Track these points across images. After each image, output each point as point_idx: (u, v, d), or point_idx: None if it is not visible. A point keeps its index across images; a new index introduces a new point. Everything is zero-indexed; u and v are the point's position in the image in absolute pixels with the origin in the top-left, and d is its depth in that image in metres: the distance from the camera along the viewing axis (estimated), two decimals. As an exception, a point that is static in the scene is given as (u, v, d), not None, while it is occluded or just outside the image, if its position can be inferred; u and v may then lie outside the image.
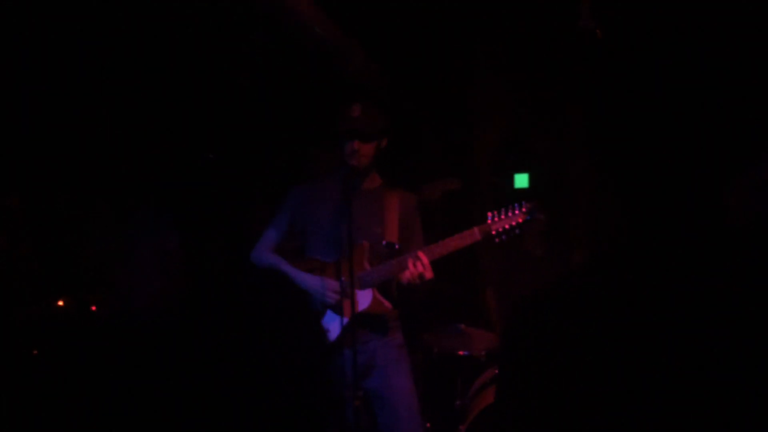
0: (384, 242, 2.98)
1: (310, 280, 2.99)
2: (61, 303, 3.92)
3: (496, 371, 4.10)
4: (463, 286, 5.01)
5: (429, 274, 2.88)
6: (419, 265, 2.86)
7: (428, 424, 4.04)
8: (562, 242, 4.92)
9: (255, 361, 4.58)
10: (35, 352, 3.73)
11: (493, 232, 2.88)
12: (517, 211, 2.89)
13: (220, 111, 5.22)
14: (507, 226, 2.87)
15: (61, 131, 4.64)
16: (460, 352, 4.08)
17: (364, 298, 2.93)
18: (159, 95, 4.92)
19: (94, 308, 3.94)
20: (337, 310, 2.93)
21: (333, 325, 2.95)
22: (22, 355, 3.67)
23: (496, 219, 2.89)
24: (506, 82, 5.72)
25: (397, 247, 3.00)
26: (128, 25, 4.17)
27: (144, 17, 4.14)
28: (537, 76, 5.51)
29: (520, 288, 4.77)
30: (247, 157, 5.46)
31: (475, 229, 2.89)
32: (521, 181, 5.56)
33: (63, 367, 3.78)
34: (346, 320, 2.91)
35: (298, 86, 5.07)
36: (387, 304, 2.98)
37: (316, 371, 3.07)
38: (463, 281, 5.16)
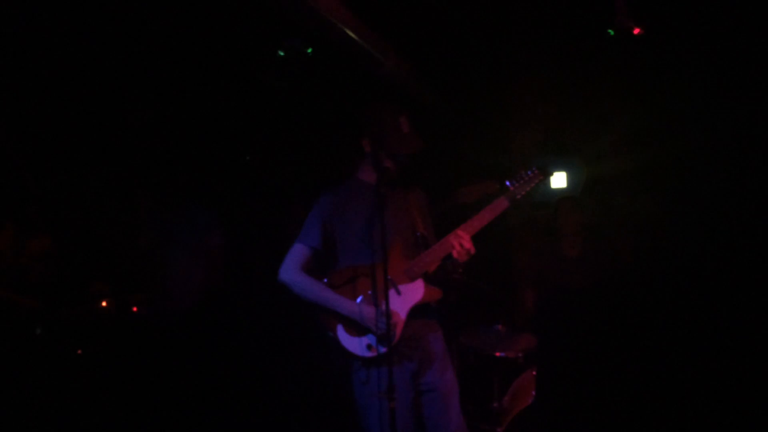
0: (418, 234, 3.05)
1: (349, 308, 2.93)
2: (104, 304, 4.01)
3: (534, 373, 4.06)
4: (499, 287, 4.98)
5: (473, 249, 2.96)
6: (464, 242, 2.93)
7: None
8: (598, 243, 4.84)
9: (295, 362, 4.62)
10: (79, 351, 3.82)
11: (518, 197, 3.07)
12: (531, 174, 3.07)
13: (262, 112, 5.29)
14: (529, 189, 3.06)
15: (108, 131, 4.74)
16: (497, 353, 4.05)
17: (416, 290, 2.97)
18: (204, 97, 5.00)
19: (135, 309, 4.01)
20: (384, 335, 2.86)
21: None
22: (67, 355, 3.77)
23: (516, 184, 3.05)
24: (544, 81, 5.66)
25: (427, 237, 3.08)
26: (177, 31, 4.24)
27: (191, 25, 4.21)
28: (575, 75, 5.44)
29: (556, 289, 4.72)
30: (287, 158, 5.51)
31: (502, 198, 3.04)
32: (559, 180, 5.49)
33: (106, 366, 3.86)
34: (398, 330, 2.92)
35: (336, 88, 5.10)
36: (438, 290, 3.02)
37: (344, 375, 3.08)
38: (500, 282, 5.12)
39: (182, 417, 4.01)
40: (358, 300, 2.95)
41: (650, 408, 4.23)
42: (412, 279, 2.97)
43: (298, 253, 3.05)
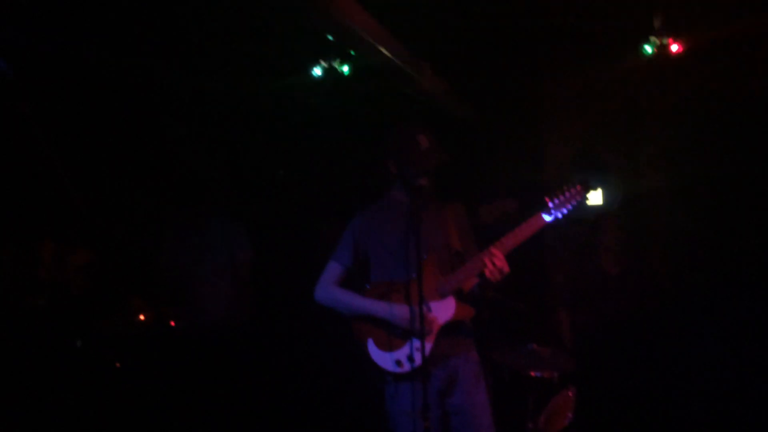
0: (450, 251, 3.03)
1: (389, 310, 2.96)
2: (142, 317, 4.06)
3: (571, 394, 4.00)
4: (535, 305, 4.92)
5: (507, 268, 2.90)
6: (496, 261, 2.87)
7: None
8: (638, 261, 4.76)
9: (326, 375, 4.62)
10: (118, 364, 3.87)
11: (559, 215, 2.95)
12: (573, 190, 2.95)
13: (297, 129, 5.34)
14: (570, 206, 2.94)
15: (144, 147, 4.84)
16: (532, 373, 3.99)
17: (447, 308, 2.95)
18: (238, 114, 5.08)
19: (173, 323, 4.06)
20: (418, 335, 2.86)
21: (416, 352, 2.90)
22: (106, 368, 3.82)
23: (555, 201, 2.94)
24: (581, 95, 5.61)
25: (463, 253, 3.05)
26: (215, 48, 4.32)
27: (229, 42, 4.28)
28: (613, 90, 5.38)
29: (594, 307, 4.65)
30: (319, 174, 5.55)
31: (540, 214, 2.93)
32: (595, 197, 5.42)
33: (144, 380, 3.91)
34: (429, 345, 2.90)
35: (370, 105, 5.14)
36: (470, 308, 3.00)
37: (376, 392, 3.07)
38: (535, 300, 5.06)
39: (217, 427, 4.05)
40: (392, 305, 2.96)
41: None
42: (443, 296, 2.95)
43: (332, 271, 3.14)
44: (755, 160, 4.93)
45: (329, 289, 3.11)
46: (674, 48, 4.29)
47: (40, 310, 3.76)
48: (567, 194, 2.95)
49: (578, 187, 2.96)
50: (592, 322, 4.64)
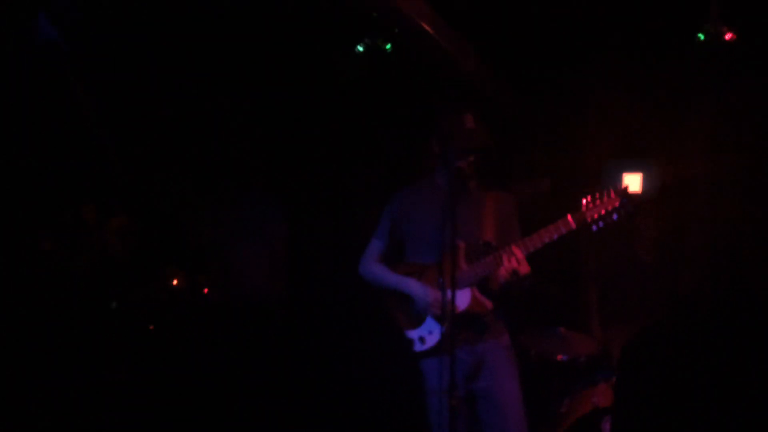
0: (481, 242, 2.98)
1: (413, 287, 3.01)
2: (175, 283, 4.15)
3: (596, 378, 3.99)
4: (565, 289, 4.90)
5: (524, 269, 2.83)
6: (513, 260, 2.81)
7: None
8: (674, 250, 4.71)
9: (352, 356, 4.67)
10: (151, 327, 3.97)
11: (589, 219, 2.78)
12: (613, 195, 2.78)
13: (333, 105, 5.33)
14: (603, 212, 2.77)
15: (183, 120, 4.89)
16: (559, 357, 4.00)
17: (463, 298, 2.93)
18: (275, 88, 5.08)
19: (206, 290, 4.15)
20: (439, 318, 2.93)
21: (435, 328, 2.96)
22: (140, 331, 3.93)
23: (590, 205, 2.80)
24: (624, 82, 5.50)
25: (494, 246, 2.98)
26: (255, 25, 4.32)
27: (269, 19, 4.28)
28: (659, 76, 5.27)
29: (626, 293, 4.63)
30: (356, 152, 5.55)
31: (569, 217, 2.80)
32: (632, 182, 5.34)
33: (176, 344, 4.00)
34: (443, 329, 2.92)
35: (411, 85, 5.09)
36: (487, 303, 2.96)
37: (410, 371, 3.11)
38: (567, 284, 5.04)
39: (244, 396, 4.13)
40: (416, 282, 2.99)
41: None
42: (460, 287, 2.89)
43: (372, 248, 3.22)
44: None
45: (369, 264, 3.19)
46: (728, 36, 4.19)
47: (80, 271, 3.87)
48: (601, 199, 2.80)
49: (612, 195, 2.79)
50: (622, 308, 4.62)
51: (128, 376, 3.73)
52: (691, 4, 4.28)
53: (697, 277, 4.89)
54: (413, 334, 3.01)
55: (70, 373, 3.61)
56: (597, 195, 2.81)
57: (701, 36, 4.30)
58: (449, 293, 2.77)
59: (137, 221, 4.04)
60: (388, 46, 4.66)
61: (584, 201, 2.82)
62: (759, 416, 3.62)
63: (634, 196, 2.83)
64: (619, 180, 5.13)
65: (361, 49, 4.73)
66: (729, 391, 4.20)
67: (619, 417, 3.64)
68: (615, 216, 2.77)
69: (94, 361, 3.77)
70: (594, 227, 2.80)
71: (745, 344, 4.49)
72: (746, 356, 4.44)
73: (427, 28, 3.76)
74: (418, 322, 3.01)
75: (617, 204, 2.77)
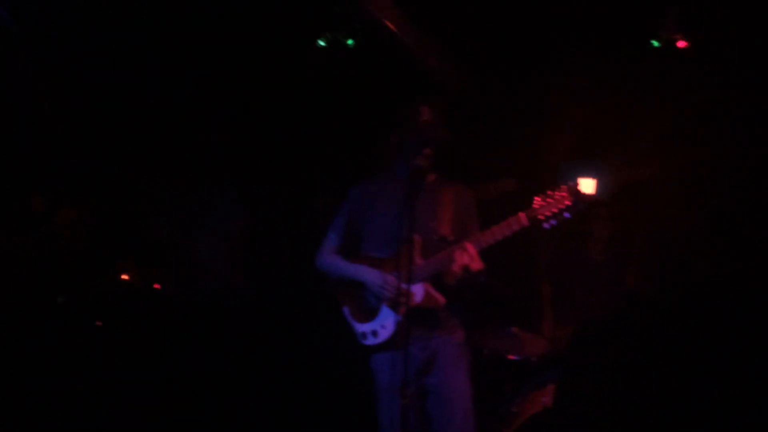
0: (437, 236, 2.96)
1: (368, 274, 3.01)
2: (125, 277, 4.07)
3: (546, 379, 4.05)
4: (519, 289, 4.96)
5: (477, 265, 2.81)
6: (465, 256, 2.80)
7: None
8: (626, 250, 4.81)
9: (309, 348, 4.64)
10: (99, 323, 3.88)
11: (541, 217, 2.78)
12: (565, 193, 2.78)
13: (291, 98, 5.29)
14: (555, 210, 2.77)
15: (139, 109, 4.79)
16: (511, 356, 4.04)
17: (417, 293, 2.93)
18: (236, 80, 5.02)
19: (157, 285, 4.06)
20: (393, 306, 2.94)
21: (388, 322, 2.96)
22: (86, 325, 3.83)
23: (542, 203, 2.79)
24: (582, 85, 5.60)
25: (450, 241, 2.96)
26: (214, 16, 4.25)
27: (229, 11, 4.22)
28: (613, 80, 5.37)
29: (577, 292, 4.71)
30: (316, 145, 5.52)
31: (522, 215, 2.80)
32: (587, 186, 5.43)
33: (125, 339, 3.92)
34: (400, 317, 2.90)
35: (372, 79, 5.08)
36: (440, 298, 2.96)
37: (362, 366, 3.11)
38: (521, 283, 5.10)
39: (193, 391, 4.07)
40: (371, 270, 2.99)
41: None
42: (413, 282, 2.88)
43: (329, 241, 3.20)
44: (748, 154, 4.95)
45: (325, 256, 3.18)
46: (681, 44, 4.31)
47: (27, 264, 3.76)
48: (553, 197, 2.79)
49: (564, 192, 2.78)
50: (575, 308, 4.70)
51: (74, 373, 3.64)
52: (647, 11, 4.37)
53: (647, 276, 5.00)
54: (366, 327, 3.01)
55: (12, 371, 3.50)
56: (549, 193, 2.80)
57: (655, 43, 4.41)
58: (401, 282, 2.79)
59: (88, 213, 3.93)
60: (350, 42, 4.65)
61: (536, 199, 2.82)
62: (701, 407, 3.72)
63: (585, 194, 2.82)
64: (575, 182, 5.18)
65: (322, 43, 4.70)
66: (673, 384, 4.31)
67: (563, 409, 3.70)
68: (566, 214, 2.77)
69: (39, 358, 3.67)
70: (546, 225, 2.80)
71: (690, 339, 4.62)
72: (691, 351, 4.56)
73: (389, 24, 3.76)
74: (371, 315, 3.00)
75: (569, 202, 2.77)
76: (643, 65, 4.96)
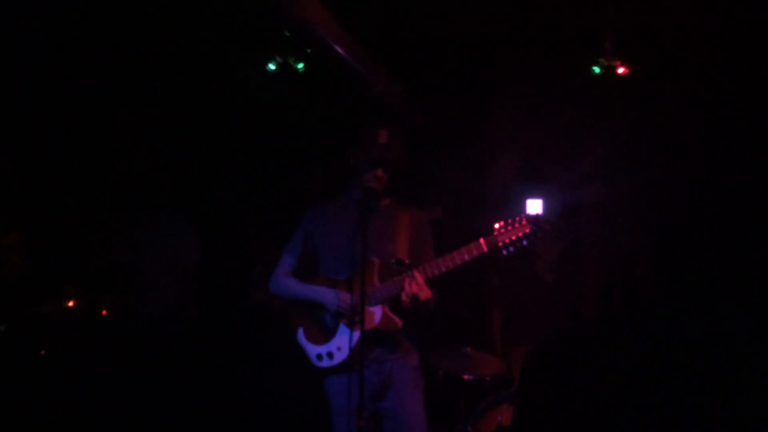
0: (394, 259, 2.96)
1: (324, 293, 3.00)
2: (71, 304, 3.94)
3: (500, 398, 4.08)
4: (472, 309, 5.01)
5: (424, 295, 2.83)
6: (414, 285, 2.82)
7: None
8: (573, 269, 4.92)
9: (259, 377, 4.57)
10: (42, 351, 3.74)
11: (500, 244, 2.81)
12: (524, 221, 2.82)
13: (244, 129, 5.27)
14: (514, 237, 2.80)
15: (79, 134, 4.68)
16: (465, 376, 4.07)
17: (375, 315, 2.93)
18: (187, 105, 4.97)
19: (104, 312, 3.95)
20: (350, 324, 2.93)
21: (343, 343, 2.95)
22: (29, 354, 3.69)
23: (503, 230, 2.83)
24: (526, 109, 5.76)
25: (407, 264, 2.96)
26: (165, 41, 4.22)
27: (180, 34, 4.18)
28: (556, 103, 5.55)
29: (528, 312, 4.78)
30: (268, 173, 5.49)
31: (482, 240, 2.82)
32: (534, 207, 5.56)
33: (69, 368, 3.79)
34: (356, 339, 2.90)
35: (323, 107, 5.11)
36: (398, 321, 2.95)
37: (319, 389, 3.08)
38: (473, 304, 5.16)
39: (143, 422, 3.95)
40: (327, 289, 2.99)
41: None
42: (370, 304, 2.91)
43: (284, 263, 3.18)
44: (687, 173, 5.16)
45: (281, 278, 3.15)
46: (620, 70, 4.49)
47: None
48: (512, 225, 2.83)
49: (523, 222, 2.82)
50: (526, 327, 4.77)
51: (17, 403, 3.49)
52: (588, 39, 4.55)
53: (593, 294, 5.13)
54: (322, 349, 3.00)
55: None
56: (510, 221, 2.85)
57: (596, 69, 4.58)
58: (362, 308, 2.76)
59: (34, 238, 3.80)
60: (300, 66, 4.67)
61: (497, 226, 2.84)
62: (656, 421, 3.80)
63: (545, 223, 2.82)
64: (523, 204, 5.31)
65: (273, 67, 4.71)
66: (628, 399, 4.38)
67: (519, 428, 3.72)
68: (525, 242, 2.82)
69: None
70: (504, 252, 2.83)
71: (640, 354, 4.72)
72: (640, 366, 4.67)
73: (338, 48, 3.80)
74: (328, 336, 2.99)
75: (527, 230, 2.82)
76: (586, 91, 5.15)
